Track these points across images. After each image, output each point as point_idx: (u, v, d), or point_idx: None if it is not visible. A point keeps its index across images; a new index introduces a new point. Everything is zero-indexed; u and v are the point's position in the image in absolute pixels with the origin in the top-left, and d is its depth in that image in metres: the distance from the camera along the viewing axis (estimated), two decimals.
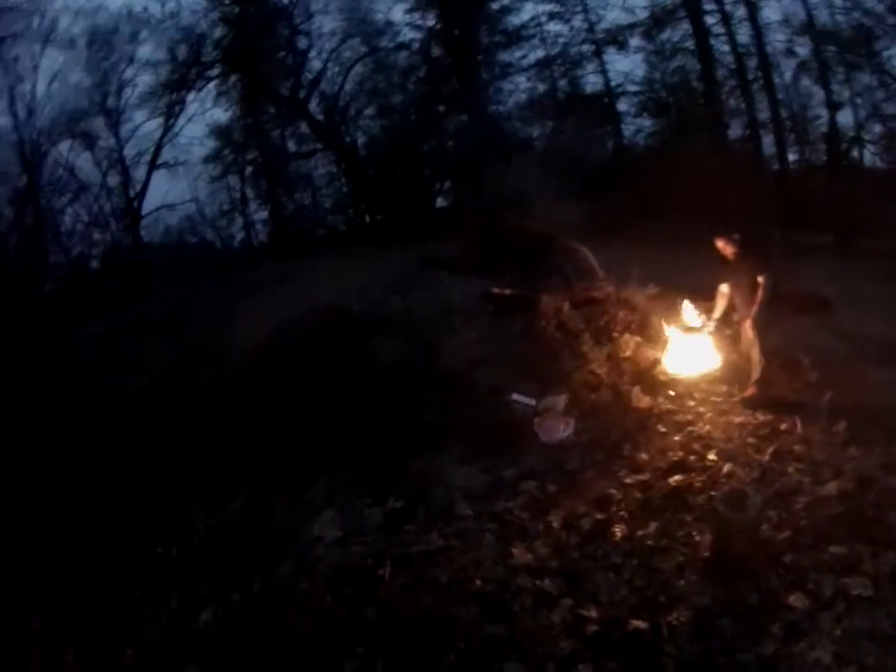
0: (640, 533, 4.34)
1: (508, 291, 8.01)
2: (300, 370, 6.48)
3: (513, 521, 4.45)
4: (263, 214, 18.29)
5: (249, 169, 18.03)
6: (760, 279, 6.12)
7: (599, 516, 4.51)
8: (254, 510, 4.70)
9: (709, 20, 15.49)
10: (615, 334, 7.05)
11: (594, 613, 3.60)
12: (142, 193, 16.89)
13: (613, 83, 16.51)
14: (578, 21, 16.63)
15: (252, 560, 4.03)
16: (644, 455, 5.29)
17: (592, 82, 16.84)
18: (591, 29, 16.50)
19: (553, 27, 16.77)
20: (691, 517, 4.46)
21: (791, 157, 15.54)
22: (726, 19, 15.24)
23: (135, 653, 3.31)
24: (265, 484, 5.01)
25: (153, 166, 16.94)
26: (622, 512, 4.56)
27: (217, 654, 3.25)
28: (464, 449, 5.27)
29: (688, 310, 6.82)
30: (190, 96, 16.87)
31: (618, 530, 4.37)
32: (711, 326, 6.62)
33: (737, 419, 5.83)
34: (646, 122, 16.69)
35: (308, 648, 3.25)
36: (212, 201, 17.59)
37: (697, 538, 4.22)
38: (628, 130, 16.79)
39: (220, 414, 6.09)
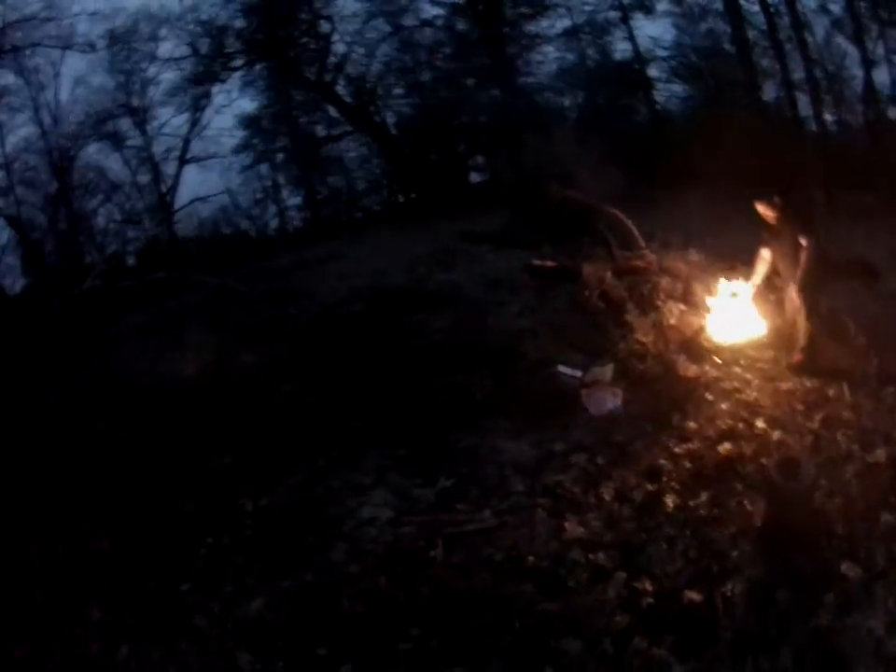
0: (692, 503, 4.33)
1: (550, 263, 7.97)
2: (347, 349, 6.52)
3: (565, 495, 4.46)
4: (296, 200, 18.41)
5: (280, 156, 18.10)
6: (803, 242, 6.01)
7: (650, 487, 4.50)
8: (304, 491, 4.75)
9: None
10: (659, 302, 7.03)
11: (648, 586, 3.60)
12: (174, 188, 17.08)
13: (642, 49, 16.12)
14: None
15: (303, 544, 4.08)
16: (693, 424, 5.26)
17: (621, 49, 16.50)
18: None
19: None
20: (742, 486, 4.44)
21: (829, 117, 15.11)
22: None
23: (188, 644, 3.36)
24: (315, 465, 5.05)
25: (183, 161, 17.10)
26: (673, 483, 4.54)
27: (270, 642, 3.29)
28: (513, 423, 5.28)
29: (730, 276, 6.75)
30: (216, 88, 16.97)
31: (670, 501, 4.36)
32: (752, 291, 6.52)
33: (785, 386, 5.77)
34: (678, 88, 16.34)
35: (361, 630, 3.28)
36: (244, 190, 17.74)
37: (750, 507, 4.20)
38: (661, 96, 16.45)
39: (269, 396, 6.16)
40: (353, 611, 3.42)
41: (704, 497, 4.38)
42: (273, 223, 18.29)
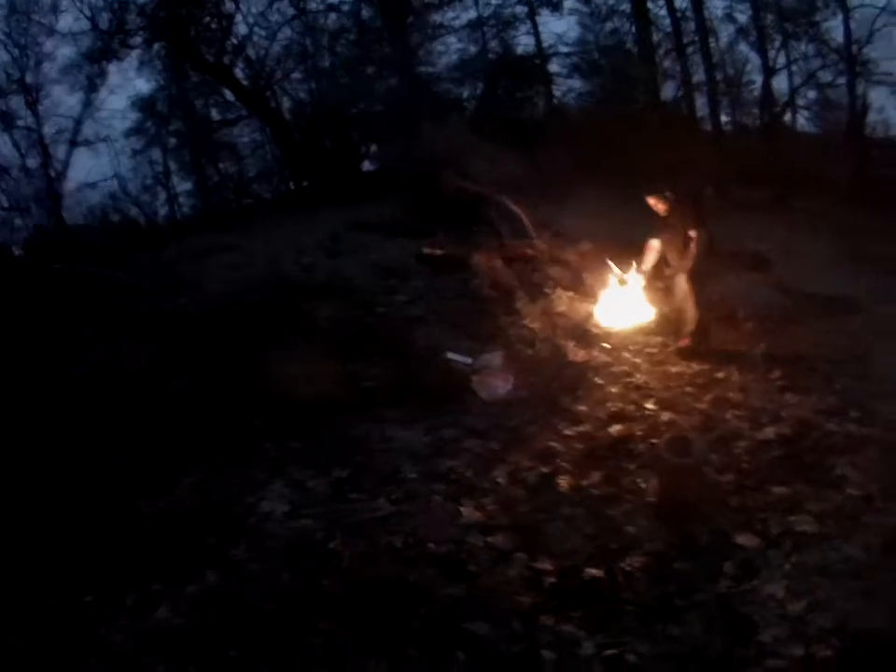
0: (586, 483, 4.42)
1: (440, 251, 7.97)
2: (237, 341, 6.28)
3: (459, 480, 4.46)
4: (187, 186, 17.68)
5: (172, 141, 17.29)
6: (692, 234, 6.24)
7: (544, 469, 4.56)
8: (201, 489, 4.51)
9: None
10: (548, 290, 7.21)
11: (549, 565, 3.62)
12: (63, 173, 16.01)
13: (546, 44, 16.39)
14: None
15: (204, 544, 3.88)
16: (583, 407, 5.40)
17: (524, 43, 16.67)
18: None
19: None
20: (634, 465, 4.58)
21: (725, 118, 15.90)
22: None
23: (98, 660, 3.11)
24: (210, 462, 4.80)
25: (73, 143, 16.03)
26: (566, 464, 4.63)
27: (182, 649, 3.10)
28: (405, 411, 5.25)
29: (618, 265, 6.97)
30: (112, 67, 15.87)
31: (564, 482, 4.43)
32: (641, 279, 6.74)
33: (674, 369, 6.02)
34: (578, 83, 16.69)
35: (271, 629, 3.16)
36: (134, 176, 16.77)
37: (643, 484, 4.32)
38: (560, 91, 16.77)
39: (161, 393, 5.84)
40: (261, 610, 3.28)
41: (597, 476, 4.49)
42: (163, 211, 17.52)
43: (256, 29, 15.98)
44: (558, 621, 3.25)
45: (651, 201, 6.47)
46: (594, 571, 3.57)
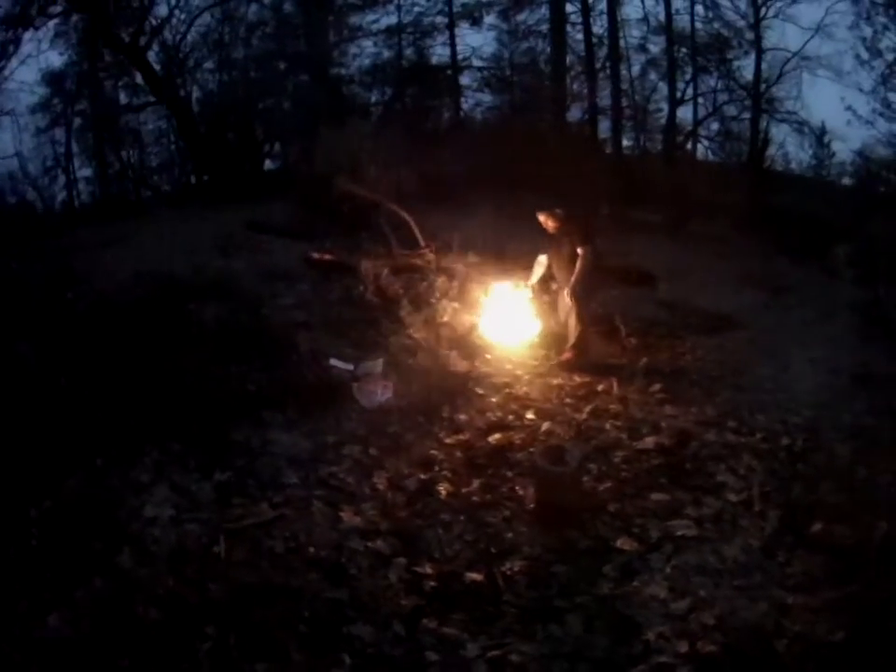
0: (465, 490, 4.51)
1: (328, 256, 7.95)
2: (123, 338, 6.02)
3: (340, 485, 4.47)
4: (87, 172, 16.83)
5: (78, 121, 16.45)
6: (580, 251, 6.46)
7: (424, 476, 4.64)
8: (85, 492, 4.29)
9: (569, 7, 16.10)
10: (433, 300, 7.26)
11: (429, 570, 3.68)
12: None
13: (460, 57, 16.66)
14: None
15: (90, 549, 3.72)
16: (463, 417, 5.50)
17: (438, 53, 16.91)
18: (449, 2, 16.54)
19: None
20: (513, 473, 4.71)
21: (627, 143, 16.57)
22: (587, 10, 15.84)
23: None
24: (93, 464, 4.58)
25: None
26: (445, 472, 4.72)
27: (72, 659, 2.97)
28: (286, 416, 5.19)
29: (506, 279, 7.18)
30: (27, 35, 14.87)
31: (443, 489, 4.52)
32: (527, 293, 6.93)
33: (555, 381, 6.20)
34: (486, 97, 17.03)
35: (159, 636, 3.07)
36: (36, 156, 15.86)
37: (521, 492, 4.45)
38: (468, 103, 17.10)
39: (45, 391, 5.51)
40: (148, 616, 3.19)
41: (476, 483, 4.59)
42: (61, 196, 16.59)
43: (176, 12, 15.47)
44: (440, 623, 3.30)
45: (542, 217, 6.68)
46: (474, 575, 3.64)
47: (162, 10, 15.50)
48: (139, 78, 15.70)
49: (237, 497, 4.24)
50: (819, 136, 15.94)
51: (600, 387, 6.03)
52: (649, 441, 5.03)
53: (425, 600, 3.45)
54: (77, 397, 5.40)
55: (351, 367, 5.86)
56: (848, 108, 14.67)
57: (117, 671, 2.92)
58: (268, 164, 16.76)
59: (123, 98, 16.50)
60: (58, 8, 14.94)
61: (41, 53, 15.12)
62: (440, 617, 3.34)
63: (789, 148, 16.16)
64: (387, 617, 3.30)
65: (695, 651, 3.03)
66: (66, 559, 3.62)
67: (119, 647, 3.02)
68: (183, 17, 15.65)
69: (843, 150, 16.00)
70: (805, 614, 3.21)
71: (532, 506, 4.24)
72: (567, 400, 5.82)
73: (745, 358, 6.82)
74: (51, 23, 15.07)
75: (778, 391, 5.97)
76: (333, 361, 5.91)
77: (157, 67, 15.47)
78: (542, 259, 6.87)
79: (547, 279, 6.96)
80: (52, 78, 15.84)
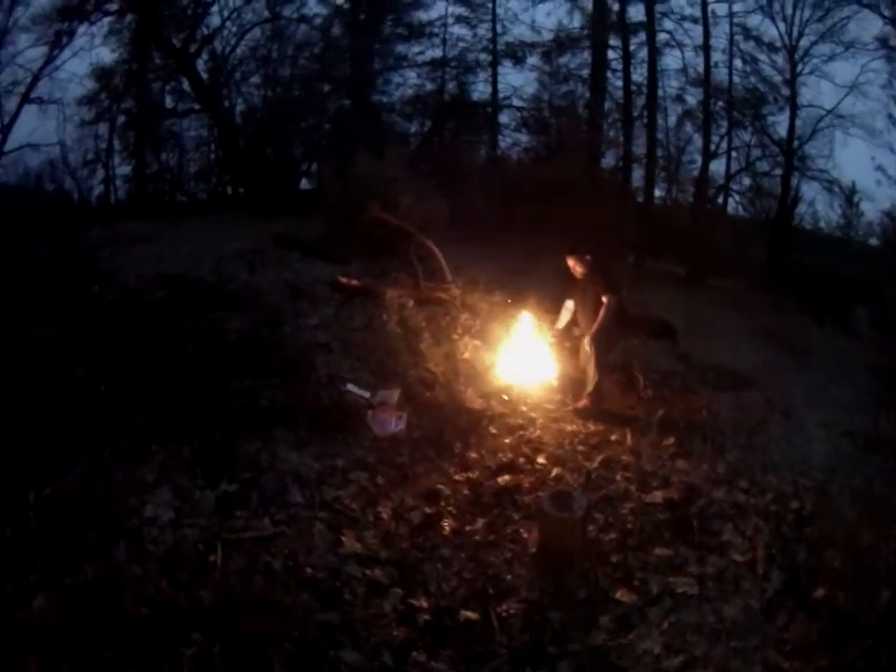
0: (469, 528, 4.47)
1: (355, 281, 7.96)
2: (143, 337, 6.08)
3: (343, 510, 4.43)
4: (126, 170, 17.18)
5: (122, 119, 16.86)
6: (604, 299, 6.45)
7: (428, 510, 4.59)
8: (88, 484, 4.31)
9: (610, 54, 16.27)
10: (455, 336, 7.24)
11: (424, 603, 3.64)
12: (9, 127, 15.25)
13: (501, 95, 16.89)
14: (483, 30, 16.95)
15: (86, 540, 3.73)
16: (474, 455, 5.44)
17: (479, 90, 17.17)
18: (493, 39, 16.81)
19: (458, 30, 16.99)
20: (519, 515, 4.65)
21: (659, 192, 16.64)
22: (627, 57, 15.98)
23: None
24: (100, 457, 4.60)
25: (26, 98, 15.31)
26: (450, 508, 4.68)
27: (55, 643, 2.97)
28: (297, 434, 5.16)
29: (530, 320, 7.13)
30: (82, 28, 15.41)
31: (447, 524, 4.48)
32: (552, 337, 6.91)
33: (569, 427, 6.10)
34: (523, 137, 17.22)
35: (145, 634, 3.05)
36: (78, 147, 16.27)
37: (525, 535, 4.39)
38: (504, 142, 17.28)
39: (61, 379, 5.58)
40: (136, 614, 3.17)
41: (480, 523, 4.55)
42: (98, 190, 16.94)
43: (228, 23, 15.91)
44: (430, 657, 3.26)
45: (571, 261, 6.67)
46: (469, 613, 3.60)
47: (215, 20, 16.06)
48: (186, 84, 16.15)
49: (239, 510, 4.22)
50: (849, 196, 15.93)
51: (614, 437, 5.95)
52: (657, 495, 4.94)
53: (417, 633, 3.41)
54: (91, 387, 5.46)
55: (367, 394, 5.83)
56: (878, 168, 14.75)
57: (99, 662, 2.91)
58: (304, 183, 17.07)
59: (169, 102, 16.99)
60: (114, 6, 15.49)
61: (94, 48, 15.66)
62: (430, 651, 3.30)
63: (818, 207, 16.15)
64: (377, 646, 3.27)
65: None
66: (60, 546, 3.63)
67: (104, 639, 3.01)
68: (234, 29, 16.21)
69: (872, 210, 16.05)
70: None
71: (534, 550, 4.19)
72: (580, 448, 5.74)
73: (759, 417, 6.72)
74: (106, 20, 15.67)
75: (791, 452, 5.88)
76: (350, 387, 5.89)
77: (204, 75, 15.90)
78: (570, 305, 6.86)
79: (571, 324, 6.95)
80: (102, 74, 16.32)
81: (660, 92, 15.99)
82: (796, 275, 13.20)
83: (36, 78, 15.32)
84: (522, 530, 4.45)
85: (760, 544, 4.33)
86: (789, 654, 3.33)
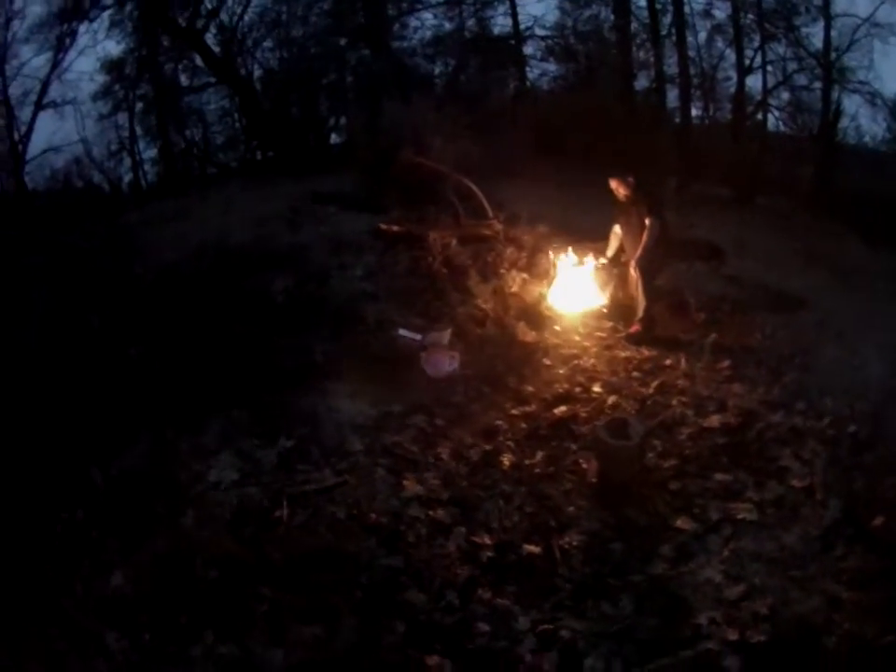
0: (528, 462, 4.49)
1: (395, 227, 7.87)
2: (191, 310, 6.19)
3: (403, 454, 4.49)
4: (152, 153, 17.23)
5: (139, 105, 16.84)
6: (647, 222, 6.28)
7: (487, 447, 4.62)
8: (151, 458, 4.46)
9: None
10: (502, 271, 7.15)
11: (487, 540, 3.69)
12: (27, 136, 15.49)
13: (522, 26, 16.24)
14: None
15: (154, 512, 3.87)
16: (530, 388, 5.43)
17: (500, 24, 16.48)
18: None
19: None
20: (576, 446, 4.65)
21: (696, 112, 16.00)
22: None
23: (58, 629, 3.09)
24: (160, 431, 4.74)
25: (39, 105, 15.48)
26: (508, 442, 4.70)
27: (133, 616, 3.11)
28: (352, 384, 5.20)
29: (577, 249, 6.99)
30: (83, 27, 15.30)
31: (506, 459, 4.50)
32: (601, 263, 6.79)
33: (622, 354, 6.05)
34: (551, 67, 16.57)
35: (218, 595, 3.17)
36: (100, 141, 16.33)
37: (584, 465, 4.38)
38: (532, 73, 16.64)
39: (114, 360, 5.74)
40: (207, 576, 3.30)
41: (539, 456, 4.56)
42: (128, 177, 17.09)
43: None
44: (494, 594, 3.32)
45: (614, 183, 6.48)
46: (531, 548, 3.64)
47: None
48: (199, 60, 15.99)
49: (300, 464, 4.31)
50: (893, 108, 15.05)
51: (668, 362, 5.88)
52: (714, 420, 4.90)
53: (480, 570, 3.47)
54: (146, 366, 5.61)
55: (419, 337, 5.84)
56: None
57: (175, 627, 3.03)
58: (333, 138, 16.87)
59: (184, 80, 16.71)
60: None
61: (98, 44, 15.58)
62: (494, 588, 3.36)
63: (861, 121, 15.31)
64: (442, 586, 3.34)
65: (744, 640, 2.97)
66: (130, 521, 3.77)
67: (178, 604, 3.13)
68: None
69: None
70: (856, 612, 3.11)
71: (594, 480, 4.19)
72: (635, 374, 5.70)
73: (813, 339, 6.53)
74: (105, 14, 15.44)
75: (846, 375, 5.71)
76: (401, 331, 5.90)
77: (216, 49, 15.70)
78: (618, 230, 6.71)
79: (619, 250, 6.82)
80: (112, 66, 16.18)
81: (686, 9, 15.20)
82: (844, 194, 12.62)
83: (46, 84, 15.36)
84: (580, 461, 4.46)
85: (818, 470, 4.26)
86: (847, 585, 3.30)
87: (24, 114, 15.32)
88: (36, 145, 15.45)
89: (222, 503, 3.95)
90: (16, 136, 15.22)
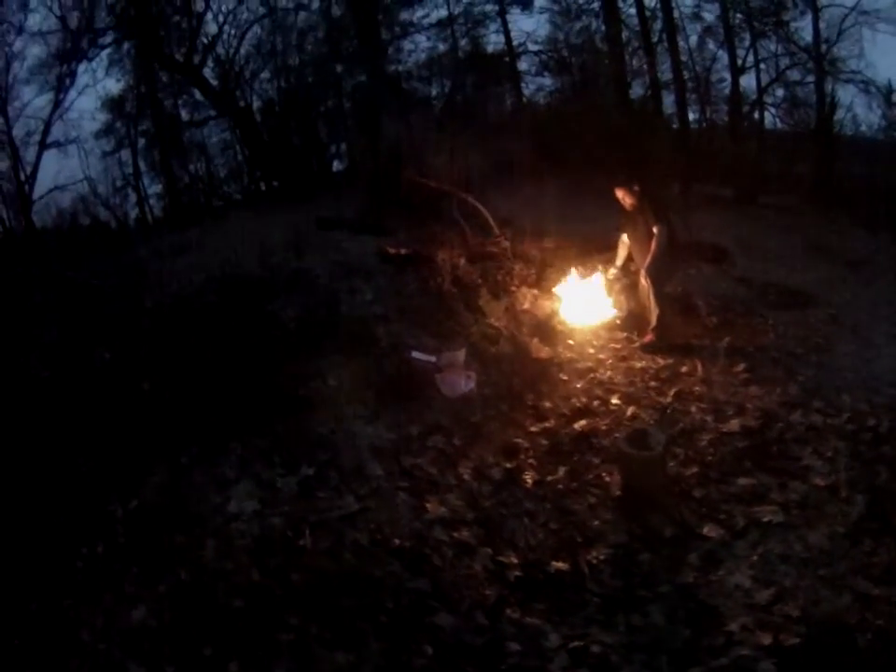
0: (550, 478, 4.47)
1: (403, 249, 7.92)
2: (202, 341, 6.21)
3: (424, 476, 4.45)
4: (157, 188, 17.50)
5: (142, 141, 17.17)
6: (655, 230, 6.29)
7: (508, 465, 4.60)
8: (169, 490, 4.43)
9: None
10: (512, 288, 7.19)
11: (514, 559, 3.65)
12: (33, 176, 15.70)
13: (515, 42, 16.53)
14: None
15: (174, 544, 3.84)
16: (548, 404, 5.43)
17: (493, 42, 16.82)
18: None
19: None
20: (598, 459, 4.64)
21: (693, 116, 16.06)
22: None
23: (79, 661, 3.08)
24: (177, 462, 4.74)
25: (43, 145, 15.73)
26: (530, 460, 4.68)
27: (157, 648, 3.08)
28: (368, 409, 5.20)
29: (584, 262, 7.11)
30: (82, 67, 15.66)
31: (528, 477, 4.48)
32: (612, 274, 6.80)
33: (638, 364, 6.06)
34: (546, 81, 16.87)
35: (242, 625, 3.14)
36: (104, 178, 16.66)
37: (607, 478, 4.37)
38: (528, 89, 16.93)
39: (126, 394, 5.76)
40: (231, 607, 3.27)
41: (561, 471, 4.54)
42: (134, 213, 17.36)
43: (225, 28, 15.87)
44: (523, 613, 3.28)
45: (620, 193, 6.52)
46: (558, 564, 3.62)
47: (212, 28, 15.94)
48: (198, 94, 16.22)
49: (321, 491, 4.28)
50: (887, 95, 15.09)
51: (684, 369, 5.90)
52: (734, 424, 4.89)
53: (508, 590, 3.43)
54: (159, 399, 5.62)
55: (433, 359, 5.83)
56: None
57: (199, 659, 2.99)
58: (335, 165, 17.05)
59: (185, 115, 17.11)
60: (108, 38, 15.60)
61: (98, 82, 15.95)
62: (522, 607, 3.32)
63: (857, 111, 15.37)
64: (470, 607, 3.29)
65: (778, 644, 2.93)
66: (151, 554, 3.74)
67: (202, 636, 3.09)
68: (233, 31, 16.04)
69: None
70: (888, 608, 3.07)
71: (618, 493, 4.17)
72: (652, 384, 5.71)
73: (827, 335, 6.56)
74: (104, 53, 15.79)
75: (862, 368, 5.71)
76: (415, 354, 5.89)
77: (214, 82, 15.92)
78: (625, 239, 6.74)
79: (628, 259, 6.83)
80: (112, 104, 16.62)
81: (675, 13, 15.35)
82: (845, 186, 12.61)
83: (49, 124, 15.65)
84: (603, 474, 4.44)
85: (840, 466, 4.24)
86: (877, 581, 3.26)
87: (29, 154, 15.63)
88: (43, 184, 15.74)
89: (244, 533, 3.90)
90: (22, 176, 15.46)
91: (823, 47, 14.85)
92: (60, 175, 15.88)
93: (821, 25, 14.79)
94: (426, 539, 3.79)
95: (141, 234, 14.63)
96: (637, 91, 15.72)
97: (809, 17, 14.84)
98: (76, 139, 16.05)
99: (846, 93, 15.04)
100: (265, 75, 16.61)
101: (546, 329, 6.57)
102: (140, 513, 4.19)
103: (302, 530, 3.85)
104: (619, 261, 6.84)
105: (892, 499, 3.83)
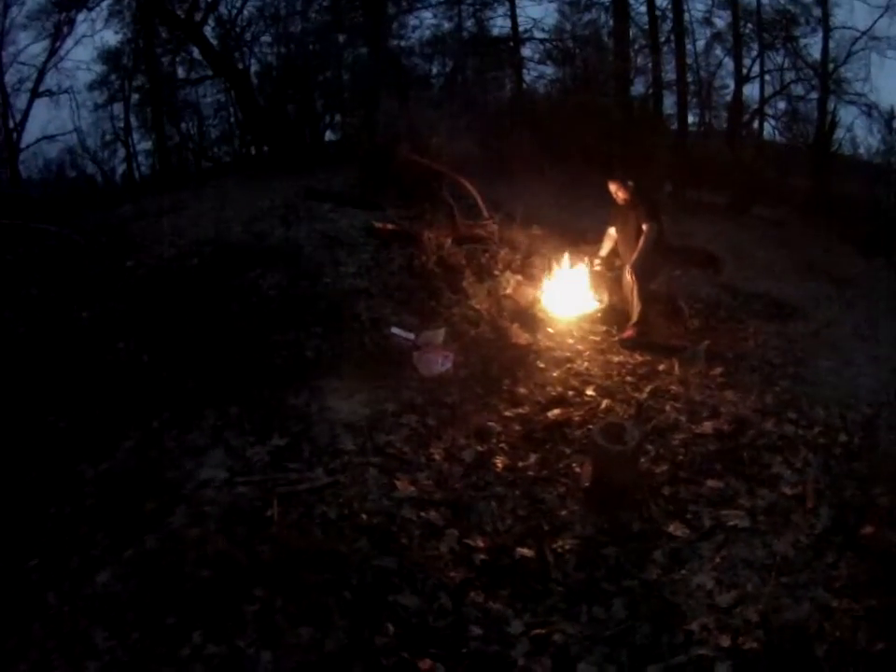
0: (521, 464, 4.47)
1: (390, 225, 7.86)
2: (182, 305, 6.14)
3: (396, 453, 4.44)
4: (147, 145, 17.23)
5: (135, 97, 16.85)
6: (644, 227, 6.30)
7: (480, 448, 4.59)
8: (141, 454, 4.41)
9: None
10: (496, 272, 7.17)
11: (480, 543, 3.66)
12: (22, 123, 15.38)
13: (521, 28, 16.37)
14: None
15: (143, 510, 3.81)
16: (523, 390, 5.41)
17: (499, 25, 16.67)
18: None
19: None
20: (570, 450, 4.64)
21: (692, 119, 16.09)
22: None
23: (42, 626, 3.04)
24: (150, 426, 4.70)
25: (35, 93, 15.41)
26: (502, 444, 4.67)
27: (121, 615, 3.05)
28: (344, 383, 5.17)
29: (571, 252, 7.05)
30: (81, 16, 15.35)
31: (499, 461, 4.47)
32: (597, 265, 6.81)
33: (616, 359, 6.07)
34: (548, 70, 16.74)
35: (208, 595, 3.13)
36: (94, 131, 16.39)
37: (578, 469, 4.38)
38: (529, 76, 16.80)
39: (103, 355, 5.69)
40: (197, 576, 3.25)
41: (533, 458, 4.54)
42: (121, 169, 17.09)
43: None
44: (487, 598, 3.29)
45: (613, 186, 6.52)
46: (524, 551, 3.62)
47: None
48: (196, 53, 15.91)
49: (292, 462, 4.26)
50: (889, 120, 15.25)
51: (661, 367, 5.90)
52: (707, 426, 4.91)
53: (473, 573, 3.44)
54: (136, 361, 5.56)
55: (412, 336, 5.81)
56: None
57: (163, 628, 2.98)
58: (329, 135, 16.86)
59: (181, 72, 16.79)
60: None
61: (96, 33, 15.56)
62: (487, 591, 3.33)
63: (857, 132, 15.49)
64: (434, 588, 3.30)
65: (737, 647, 2.96)
66: (119, 518, 3.71)
67: (167, 604, 3.08)
68: None
69: None
70: (847, 620, 3.10)
71: (587, 484, 4.17)
72: (629, 379, 5.72)
73: (807, 349, 6.61)
74: (104, 3, 15.44)
75: (839, 385, 5.77)
76: (394, 330, 5.87)
77: (214, 42, 15.63)
78: (612, 232, 6.77)
79: (612, 254, 6.84)
80: (109, 56, 16.29)
81: (686, 16, 15.33)
82: (839, 205, 12.73)
83: (42, 73, 15.41)
84: (574, 464, 4.44)
85: (809, 478, 4.28)
86: (837, 593, 3.29)
87: (20, 101, 15.30)
88: (31, 133, 15.41)
89: (213, 501, 3.89)
90: (11, 124, 15.14)
91: (830, 66, 14.97)
92: (50, 125, 15.60)
93: (831, 45, 14.94)
94: (394, 517, 3.78)
95: (127, 191, 14.41)
96: (638, 88, 15.73)
97: (820, 35, 14.98)
98: (69, 89, 15.82)
99: (847, 114, 15.19)
100: (266, 39, 16.41)
101: (527, 315, 6.55)
102: (110, 476, 4.16)
103: (271, 500, 3.83)
104: (603, 252, 6.87)
105: (858, 515, 3.88)
